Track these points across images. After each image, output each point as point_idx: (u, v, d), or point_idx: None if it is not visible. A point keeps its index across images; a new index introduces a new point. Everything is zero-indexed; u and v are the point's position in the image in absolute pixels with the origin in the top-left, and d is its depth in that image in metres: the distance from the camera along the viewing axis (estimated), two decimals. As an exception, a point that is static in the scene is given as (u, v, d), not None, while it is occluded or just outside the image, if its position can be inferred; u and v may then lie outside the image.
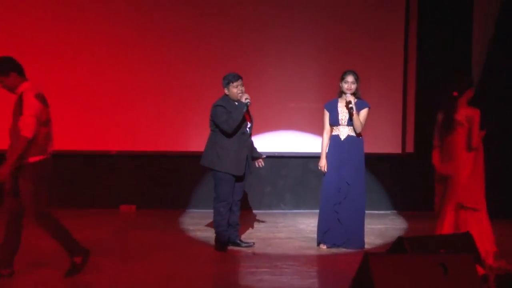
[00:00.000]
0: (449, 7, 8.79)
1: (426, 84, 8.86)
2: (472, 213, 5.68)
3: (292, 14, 8.77)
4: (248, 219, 7.93)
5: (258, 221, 8.01)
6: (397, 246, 4.53)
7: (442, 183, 5.84)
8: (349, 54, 8.66)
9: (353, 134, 6.47)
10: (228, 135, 6.24)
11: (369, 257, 4.09)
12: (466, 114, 5.70)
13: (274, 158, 7.45)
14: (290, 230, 7.58)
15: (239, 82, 6.30)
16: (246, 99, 6.23)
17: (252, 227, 7.65)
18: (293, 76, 8.75)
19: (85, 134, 8.56)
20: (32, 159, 5.06)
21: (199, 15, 8.68)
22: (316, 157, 6.94)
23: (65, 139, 8.22)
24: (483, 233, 5.62)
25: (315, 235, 6.68)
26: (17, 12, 8.52)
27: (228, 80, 6.32)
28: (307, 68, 8.78)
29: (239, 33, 8.72)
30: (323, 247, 6.51)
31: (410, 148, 8.94)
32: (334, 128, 6.54)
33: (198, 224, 7.70)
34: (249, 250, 6.40)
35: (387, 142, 8.86)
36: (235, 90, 6.29)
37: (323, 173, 6.58)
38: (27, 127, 4.98)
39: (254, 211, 8.69)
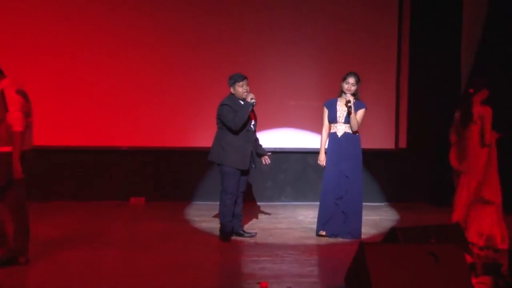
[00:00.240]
0: (440, 10, 8.94)
1: (418, 83, 9.03)
2: (484, 206, 5.84)
3: (292, 15, 8.84)
4: (251, 211, 7.99)
5: (260, 212, 8.11)
6: (391, 236, 4.74)
7: (458, 178, 6.03)
8: (347, 54, 8.77)
9: (349, 131, 6.60)
10: (234, 132, 6.38)
11: (365, 247, 4.27)
12: (479, 112, 5.84)
13: (275, 153, 7.57)
14: (290, 221, 7.67)
15: (245, 81, 6.43)
16: (251, 99, 6.35)
17: (256, 217, 7.75)
18: (293, 76, 8.82)
19: (97, 131, 8.61)
20: (5, 149, 5.06)
21: (200, 15, 8.71)
22: (315, 153, 7.11)
23: (79, 136, 8.46)
24: (493, 226, 5.82)
25: (314, 226, 6.81)
26: (17, 12, 8.47)
27: (234, 79, 6.45)
28: (307, 68, 8.85)
29: (240, 33, 8.76)
30: (323, 233, 6.64)
31: (403, 144, 9.10)
32: (332, 125, 6.68)
33: (204, 216, 7.79)
34: (251, 240, 6.50)
35: (381, 138, 8.99)
36: (241, 89, 6.41)
37: (322, 168, 6.73)
38: (17, 121, 5.03)
39: (257, 203, 8.81)
